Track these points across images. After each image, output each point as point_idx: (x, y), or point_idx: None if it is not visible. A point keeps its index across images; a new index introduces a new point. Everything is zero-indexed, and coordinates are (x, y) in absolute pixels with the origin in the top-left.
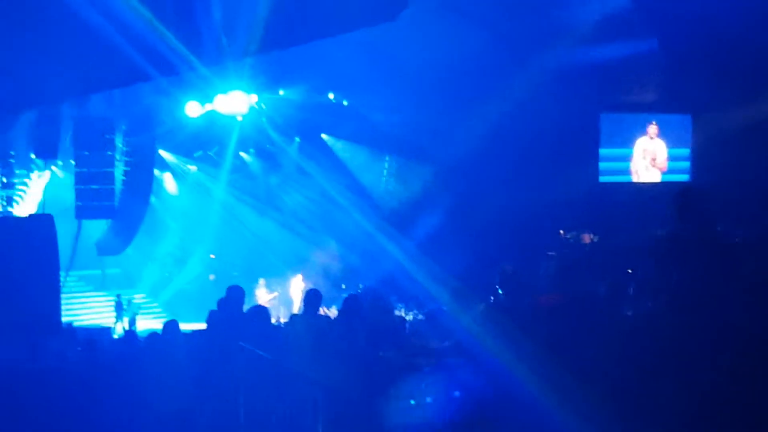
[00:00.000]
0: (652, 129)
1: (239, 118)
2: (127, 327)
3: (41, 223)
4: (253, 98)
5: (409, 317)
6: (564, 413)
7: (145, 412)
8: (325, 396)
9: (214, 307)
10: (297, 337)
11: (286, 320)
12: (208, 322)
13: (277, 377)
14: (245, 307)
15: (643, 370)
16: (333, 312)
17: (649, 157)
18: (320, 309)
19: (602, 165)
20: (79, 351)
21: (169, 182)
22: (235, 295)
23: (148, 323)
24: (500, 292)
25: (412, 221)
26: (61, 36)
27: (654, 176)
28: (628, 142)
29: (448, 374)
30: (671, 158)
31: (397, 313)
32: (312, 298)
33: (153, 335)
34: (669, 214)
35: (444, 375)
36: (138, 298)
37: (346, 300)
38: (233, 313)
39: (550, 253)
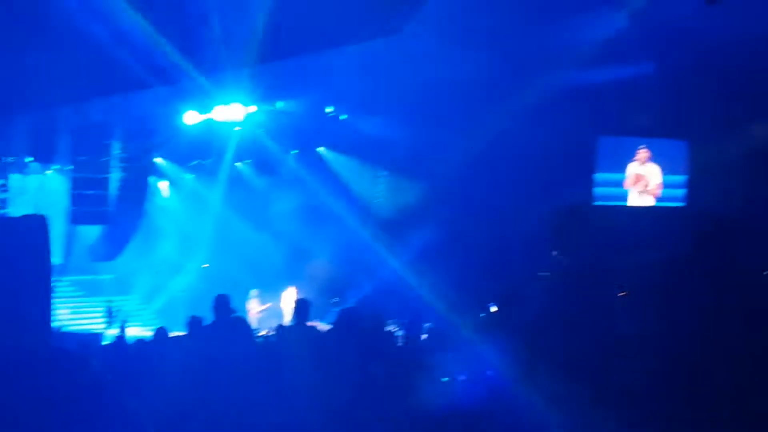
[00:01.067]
0: (643, 154)
1: (237, 128)
2: (117, 334)
3: (34, 223)
4: (252, 109)
5: (402, 332)
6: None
7: (132, 419)
8: (315, 409)
9: (204, 315)
10: (285, 347)
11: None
12: (189, 326)
13: (265, 388)
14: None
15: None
16: (322, 326)
17: (642, 184)
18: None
19: (598, 190)
20: (67, 356)
21: (164, 190)
22: (222, 303)
23: (139, 331)
24: (493, 309)
25: (405, 236)
26: (62, 42)
27: (647, 202)
28: (623, 166)
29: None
30: (667, 185)
31: (390, 327)
32: (301, 308)
33: (140, 342)
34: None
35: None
36: (129, 304)
37: (340, 313)
38: (220, 322)
39: (541, 273)
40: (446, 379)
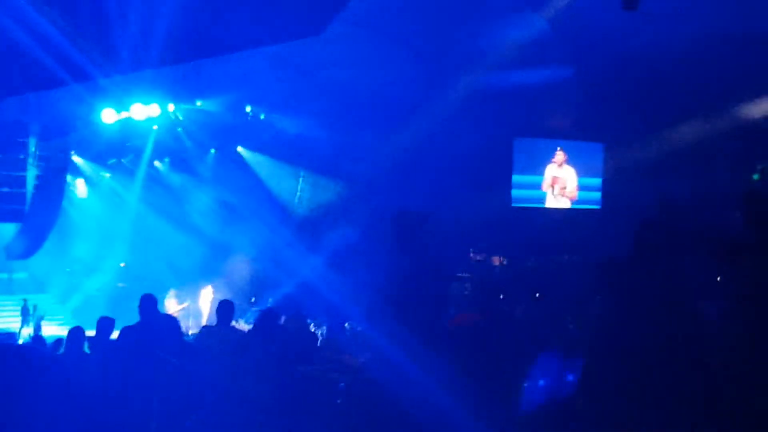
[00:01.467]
0: (559, 156)
1: (155, 127)
2: (32, 332)
3: None
4: (170, 107)
5: (321, 331)
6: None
7: (51, 420)
8: (239, 409)
9: (123, 315)
10: (209, 349)
11: (195, 331)
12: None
13: (188, 389)
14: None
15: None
16: (243, 325)
17: (559, 186)
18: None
19: (515, 192)
20: None
21: (81, 188)
22: (149, 303)
23: (55, 329)
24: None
25: (324, 236)
26: None
27: (564, 204)
28: (540, 168)
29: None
30: (582, 187)
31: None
32: (226, 310)
33: (59, 341)
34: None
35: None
36: (45, 303)
37: (262, 313)
38: (146, 322)
39: (460, 275)
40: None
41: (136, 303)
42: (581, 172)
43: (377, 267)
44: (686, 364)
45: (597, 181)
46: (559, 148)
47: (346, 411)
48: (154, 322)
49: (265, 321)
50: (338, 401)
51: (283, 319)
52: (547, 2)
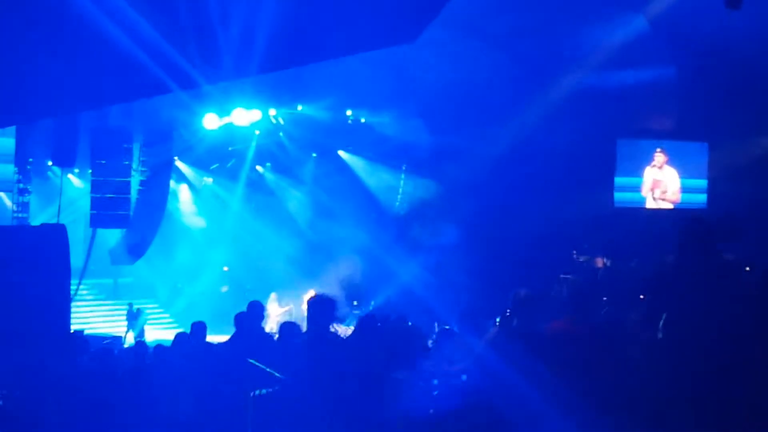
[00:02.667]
0: (659, 157)
1: (257, 132)
2: (137, 337)
3: (54, 232)
4: (271, 112)
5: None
6: None
7: (152, 424)
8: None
9: (226, 318)
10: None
11: None
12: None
13: (286, 395)
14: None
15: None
16: (344, 329)
17: (660, 190)
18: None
19: (617, 194)
20: (88, 360)
21: (185, 194)
22: (256, 311)
23: (159, 333)
24: (512, 315)
25: (426, 240)
26: (80, 47)
27: (666, 206)
28: (641, 170)
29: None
30: (687, 189)
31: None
32: (321, 307)
33: (159, 347)
34: (677, 242)
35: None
36: (149, 308)
37: (361, 319)
38: (253, 329)
39: (563, 276)
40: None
41: (239, 307)
42: (685, 174)
43: (476, 269)
44: None
45: (702, 183)
46: (658, 150)
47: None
48: (259, 330)
49: (364, 326)
50: (431, 410)
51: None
52: (649, 2)
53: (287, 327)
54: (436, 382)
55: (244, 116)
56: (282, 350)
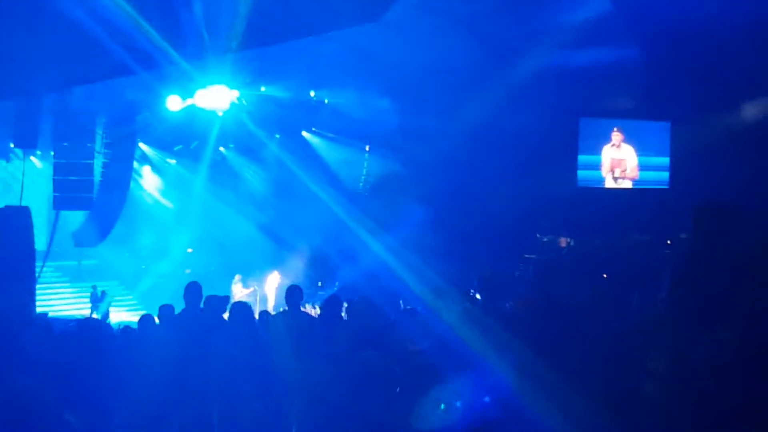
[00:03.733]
0: (616, 136)
1: (220, 114)
2: (101, 318)
3: (17, 215)
4: (235, 94)
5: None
6: (553, 415)
7: (119, 405)
8: (303, 397)
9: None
10: (279, 334)
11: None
12: (161, 316)
13: (253, 376)
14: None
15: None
16: (313, 311)
17: (620, 169)
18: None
19: (581, 172)
20: (53, 342)
21: (148, 175)
22: (193, 291)
23: (123, 315)
24: (477, 295)
25: (389, 220)
26: (45, 28)
27: (624, 184)
28: (600, 149)
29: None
30: (649, 167)
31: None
32: (294, 295)
33: (127, 329)
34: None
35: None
36: (113, 290)
37: (326, 300)
38: (192, 310)
39: (527, 256)
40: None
41: (204, 290)
42: (645, 151)
43: (440, 248)
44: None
45: (665, 160)
46: (615, 129)
47: (403, 398)
48: (197, 311)
49: (329, 307)
50: (397, 389)
51: (345, 305)
52: None
53: (239, 307)
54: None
55: (207, 98)
56: (233, 330)
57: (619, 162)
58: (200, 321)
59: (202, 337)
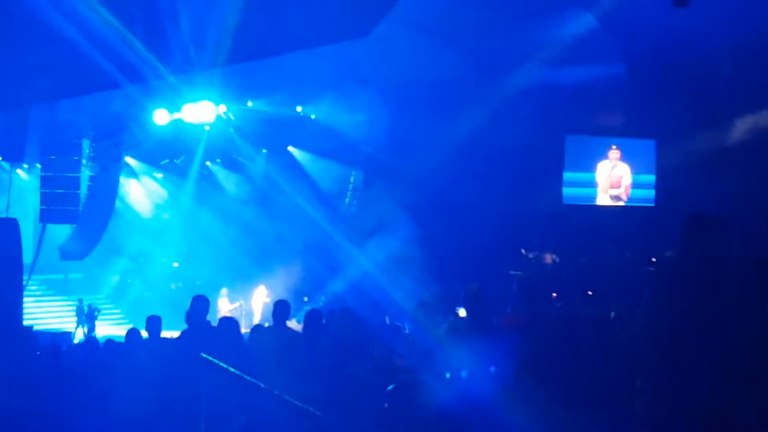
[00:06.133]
0: (614, 153)
1: (207, 128)
2: (86, 332)
3: (5, 227)
4: (222, 108)
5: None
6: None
7: (104, 420)
8: (289, 411)
9: (176, 315)
10: (264, 349)
11: (247, 331)
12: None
13: (240, 390)
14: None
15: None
16: (296, 325)
17: (613, 183)
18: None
19: (566, 190)
20: (39, 355)
21: (134, 189)
22: (200, 305)
23: (109, 329)
24: (463, 310)
25: (376, 235)
26: (31, 43)
27: (617, 202)
28: (591, 165)
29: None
30: (636, 184)
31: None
32: (280, 310)
33: (110, 342)
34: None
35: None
36: (99, 303)
37: (307, 314)
38: (199, 324)
39: (512, 273)
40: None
41: (189, 302)
42: (634, 169)
43: (426, 265)
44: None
45: (650, 178)
46: (614, 146)
47: (392, 414)
48: (205, 324)
49: (310, 321)
50: (385, 405)
51: (325, 319)
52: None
53: (225, 322)
54: None
55: (194, 112)
56: (221, 344)
57: (618, 180)
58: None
59: (191, 352)
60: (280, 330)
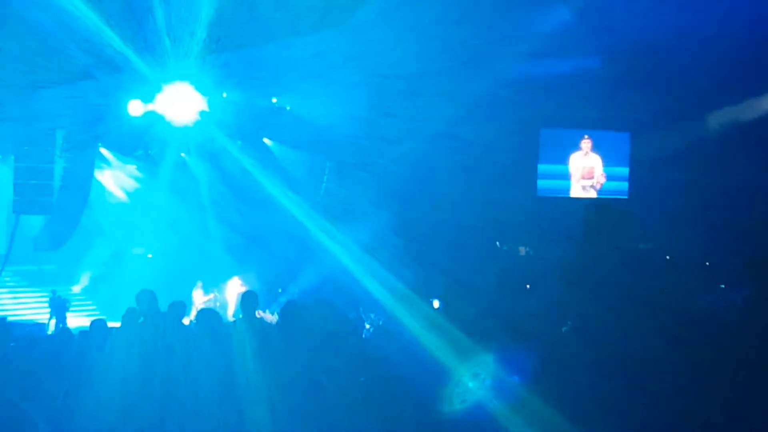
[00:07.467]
0: (586, 143)
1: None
2: (59, 324)
3: None
4: (203, 105)
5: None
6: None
7: (80, 409)
8: (265, 404)
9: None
10: (237, 340)
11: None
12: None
13: (217, 380)
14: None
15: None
16: (270, 317)
17: (585, 174)
18: (257, 312)
19: (541, 182)
20: (13, 346)
21: (108, 180)
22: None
23: (82, 321)
24: (437, 302)
25: (350, 226)
26: (7, 32)
27: (590, 194)
28: (565, 157)
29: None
30: (609, 176)
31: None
32: (248, 300)
33: (83, 332)
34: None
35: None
36: (72, 294)
37: (284, 306)
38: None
39: (486, 264)
40: None
41: (163, 295)
42: (608, 162)
43: (401, 256)
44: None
45: (624, 171)
46: (585, 137)
47: (366, 405)
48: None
49: (288, 313)
50: (359, 395)
51: (311, 310)
52: None
53: (205, 314)
54: None
55: (176, 110)
56: (200, 338)
57: (590, 171)
58: (162, 326)
59: (163, 343)
60: (249, 321)
